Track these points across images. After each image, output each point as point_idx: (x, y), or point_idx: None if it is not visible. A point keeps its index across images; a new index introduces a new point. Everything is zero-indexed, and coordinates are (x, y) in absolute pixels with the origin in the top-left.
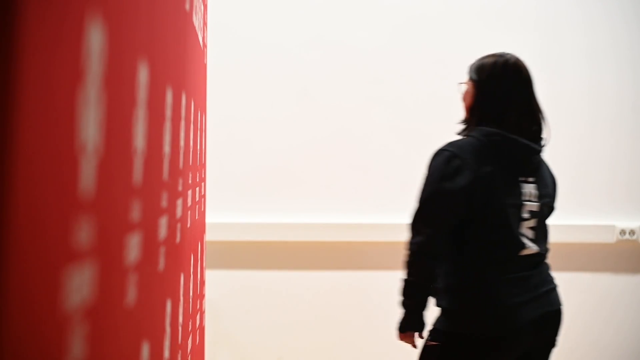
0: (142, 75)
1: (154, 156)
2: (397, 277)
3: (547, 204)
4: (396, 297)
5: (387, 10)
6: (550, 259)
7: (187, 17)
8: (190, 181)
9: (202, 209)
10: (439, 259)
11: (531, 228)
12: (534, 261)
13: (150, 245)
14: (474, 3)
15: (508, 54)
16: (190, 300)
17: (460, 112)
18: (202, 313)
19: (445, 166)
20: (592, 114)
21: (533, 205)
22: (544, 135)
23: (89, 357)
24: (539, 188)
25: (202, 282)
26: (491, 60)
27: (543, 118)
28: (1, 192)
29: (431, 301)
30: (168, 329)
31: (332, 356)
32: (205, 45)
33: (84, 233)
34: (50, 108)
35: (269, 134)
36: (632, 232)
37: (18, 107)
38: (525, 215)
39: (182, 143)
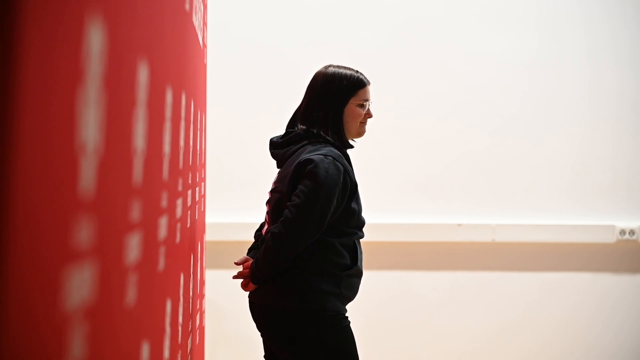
0: (142, 75)
1: (154, 156)
2: (397, 277)
3: (276, 190)
4: (396, 297)
5: (387, 11)
6: (550, 259)
7: (187, 17)
8: (190, 181)
9: (202, 209)
10: None
11: (267, 213)
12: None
13: (150, 245)
14: (474, 3)
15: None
16: (190, 300)
17: (460, 112)
18: (202, 313)
19: None
20: (592, 114)
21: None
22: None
23: (88, 357)
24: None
25: (202, 282)
26: None
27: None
28: (1, 192)
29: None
30: (168, 329)
31: None
32: (205, 45)
33: (83, 233)
34: (50, 108)
35: (269, 134)
36: (632, 232)
37: (18, 107)
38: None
39: (182, 143)
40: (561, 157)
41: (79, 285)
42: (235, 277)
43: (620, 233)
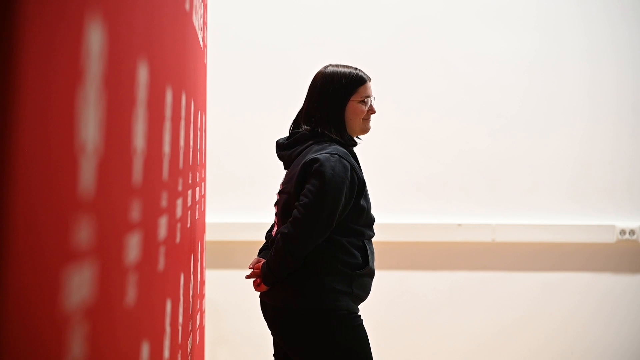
0: (142, 75)
1: (154, 156)
2: (397, 277)
3: (284, 191)
4: (396, 297)
5: (387, 10)
6: (550, 259)
7: (187, 17)
8: (190, 181)
9: (202, 209)
10: None
11: (275, 214)
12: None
13: (150, 245)
14: (474, 3)
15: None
16: (190, 300)
17: (460, 112)
18: (202, 313)
19: None
20: (592, 114)
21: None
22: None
23: (88, 357)
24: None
25: (202, 282)
26: None
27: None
28: (1, 192)
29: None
30: (168, 329)
31: None
32: (205, 45)
33: (83, 233)
34: (50, 108)
35: (269, 134)
36: (632, 232)
37: (18, 107)
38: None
39: (182, 143)
40: (561, 157)
41: (79, 285)
42: (248, 276)
43: (620, 233)
